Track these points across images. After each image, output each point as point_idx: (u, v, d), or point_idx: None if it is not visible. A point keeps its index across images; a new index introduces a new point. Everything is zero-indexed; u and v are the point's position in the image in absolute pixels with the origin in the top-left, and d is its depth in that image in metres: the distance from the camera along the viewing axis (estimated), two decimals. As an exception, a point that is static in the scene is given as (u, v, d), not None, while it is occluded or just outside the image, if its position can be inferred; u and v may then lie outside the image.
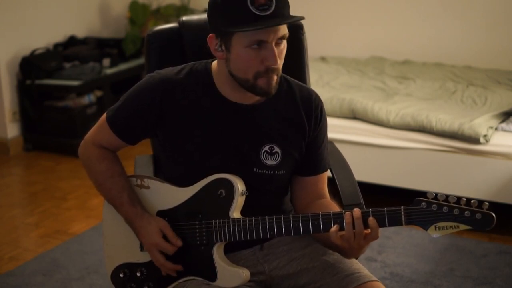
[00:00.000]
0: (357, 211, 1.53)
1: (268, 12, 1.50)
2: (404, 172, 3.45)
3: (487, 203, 1.45)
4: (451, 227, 1.47)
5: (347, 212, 1.53)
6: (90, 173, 1.76)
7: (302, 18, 1.56)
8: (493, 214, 1.44)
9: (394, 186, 3.50)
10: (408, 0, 4.65)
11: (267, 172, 1.67)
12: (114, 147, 1.76)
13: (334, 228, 1.53)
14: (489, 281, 2.84)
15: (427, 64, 4.43)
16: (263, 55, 1.54)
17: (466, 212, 1.45)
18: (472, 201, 1.46)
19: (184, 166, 1.69)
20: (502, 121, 3.43)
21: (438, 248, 3.13)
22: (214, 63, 1.69)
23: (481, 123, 3.28)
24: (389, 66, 4.39)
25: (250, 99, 1.66)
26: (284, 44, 1.59)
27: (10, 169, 4.41)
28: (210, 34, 1.60)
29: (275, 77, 1.58)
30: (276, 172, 1.69)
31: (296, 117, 1.70)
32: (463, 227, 1.46)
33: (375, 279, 1.66)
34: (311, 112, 1.72)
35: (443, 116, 3.37)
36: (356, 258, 1.70)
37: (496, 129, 3.35)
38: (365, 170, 3.45)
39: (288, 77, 1.74)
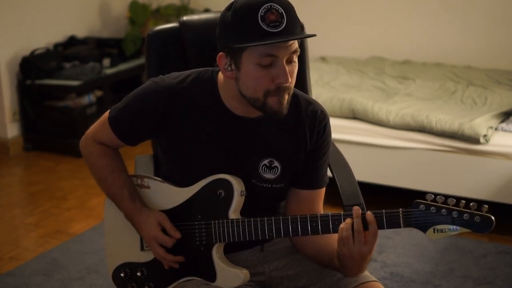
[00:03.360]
0: (356, 209, 1.52)
1: (279, 29, 1.47)
2: (404, 172, 3.45)
3: (486, 206, 1.44)
4: (449, 230, 1.45)
5: (347, 219, 1.52)
6: (92, 168, 1.77)
7: (314, 35, 1.54)
8: (492, 217, 1.42)
9: (394, 186, 3.50)
10: (408, 0, 4.65)
11: (264, 185, 1.66)
12: (114, 145, 1.76)
13: (342, 225, 1.51)
14: (489, 281, 2.84)
15: (427, 64, 4.43)
16: (273, 73, 1.51)
17: (465, 215, 1.43)
18: (471, 204, 1.44)
19: (182, 174, 1.69)
20: (502, 121, 3.43)
21: (438, 248, 3.13)
22: (221, 74, 1.66)
23: (481, 123, 3.28)
24: (389, 66, 4.39)
25: (254, 113, 1.63)
26: (295, 63, 1.55)
27: (10, 169, 4.41)
28: (220, 53, 1.57)
29: (286, 96, 1.55)
30: (274, 185, 1.68)
31: (299, 131, 1.67)
32: (462, 230, 1.45)
33: (374, 279, 1.66)
34: (314, 126, 1.68)
35: (443, 116, 3.37)
36: (361, 272, 1.61)
37: (496, 129, 3.35)
38: (365, 170, 3.45)
39: (298, 92, 1.70)
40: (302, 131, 1.67)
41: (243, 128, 1.65)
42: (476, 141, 3.24)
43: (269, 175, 1.66)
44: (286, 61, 1.52)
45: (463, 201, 1.45)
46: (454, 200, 1.45)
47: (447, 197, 1.47)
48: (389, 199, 3.55)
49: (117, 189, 1.71)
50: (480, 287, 2.81)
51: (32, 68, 4.47)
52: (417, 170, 3.42)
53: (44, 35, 4.81)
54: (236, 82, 1.57)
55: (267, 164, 1.66)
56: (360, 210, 1.51)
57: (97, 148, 1.75)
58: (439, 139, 3.36)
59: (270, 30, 1.47)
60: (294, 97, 1.66)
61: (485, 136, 3.25)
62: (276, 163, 1.66)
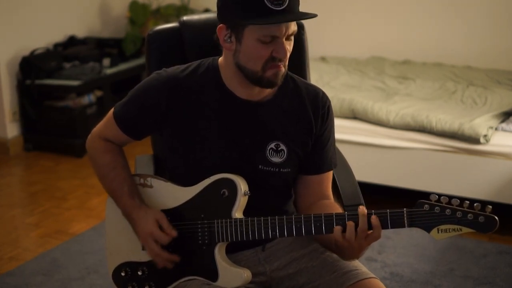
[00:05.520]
0: (362, 209, 1.52)
1: (282, 7, 1.53)
2: (404, 172, 3.45)
3: (490, 206, 1.45)
4: (453, 230, 1.46)
5: (350, 222, 1.53)
6: (95, 165, 1.78)
7: (315, 15, 1.58)
8: (496, 218, 1.44)
9: (394, 186, 3.50)
10: (409, 0, 4.65)
11: (272, 169, 1.68)
12: (120, 141, 1.78)
13: (337, 228, 1.53)
14: (489, 281, 2.85)
15: (427, 64, 4.44)
16: (273, 47, 1.57)
17: (469, 215, 1.44)
18: (475, 204, 1.45)
19: (189, 162, 1.70)
20: (502, 121, 3.44)
21: (438, 248, 3.13)
22: (221, 59, 1.70)
23: (481, 123, 3.28)
24: (389, 66, 4.39)
25: (257, 95, 1.67)
26: (292, 41, 1.61)
27: (10, 169, 4.41)
28: (220, 25, 1.62)
29: (282, 68, 1.61)
30: (281, 169, 1.69)
31: (302, 114, 1.71)
32: (465, 230, 1.45)
33: (373, 276, 1.66)
34: (318, 110, 1.72)
35: (443, 116, 3.37)
36: (357, 258, 1.69)
37: (496, 129, 3.35)
38: (365, 170, 3.45)
39: (294, 76, 1.75)
40: (306, 113, 1.71)
41: (247, 112, 1.67)
42: (476, 141, 3.24)
43: (276, 159, 1.68)
44: (285, 38, 1.58)
45: (467, 202, 1.46)
46: (458, 201, 1.46)
47: (451, 197, 1.47)
48: (390, 199, 3.55)
49: (117, 185, 1.72)
50: (480, 287, 2.81)
51: (32, 68, 4.47)
52: (417, 170, 3.42)
53: (44, 35, 4.81)
54: (234, 54, 1.62)
55: (274, 147, 1.68)
56: (366, 210, 1.52)
57: (101, 145, 1.77)
58: (439, 139, 3.36)
59: (274, 8, 1.53)
60: (292, 80, 1.72)
61: (485, 136, 3.25)
62: (282, 146, 1.69)
